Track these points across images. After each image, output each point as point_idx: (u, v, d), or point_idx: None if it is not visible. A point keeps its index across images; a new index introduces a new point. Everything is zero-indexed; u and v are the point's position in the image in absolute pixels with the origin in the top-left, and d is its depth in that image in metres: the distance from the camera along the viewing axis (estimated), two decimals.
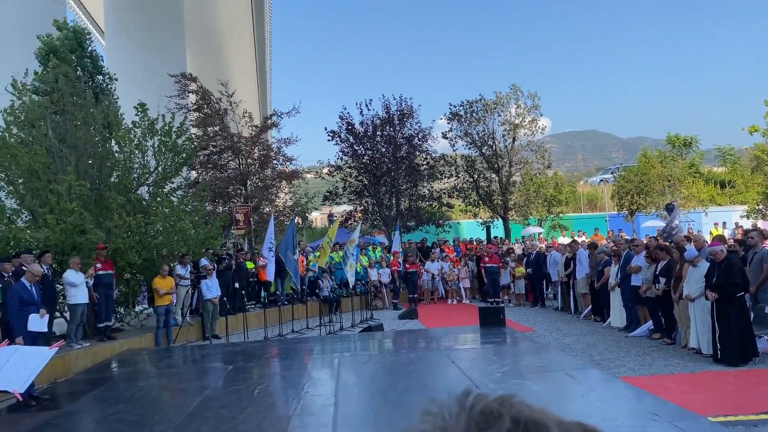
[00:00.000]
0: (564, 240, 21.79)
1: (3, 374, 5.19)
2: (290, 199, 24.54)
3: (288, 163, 23.02)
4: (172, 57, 39.92)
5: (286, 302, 16.72)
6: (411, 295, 19.06)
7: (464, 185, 26.99)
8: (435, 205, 25.47)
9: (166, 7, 43.40)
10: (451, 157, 27.17)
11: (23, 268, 10.08)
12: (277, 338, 13.46)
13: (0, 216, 11.65)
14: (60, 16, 19.96)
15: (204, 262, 14.65)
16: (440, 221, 25.11)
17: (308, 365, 10.02)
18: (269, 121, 23.10)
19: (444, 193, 26.18)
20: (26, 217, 12.56)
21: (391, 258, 19.92)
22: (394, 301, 18.91)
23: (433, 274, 19.58)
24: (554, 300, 17.36)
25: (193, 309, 15.00)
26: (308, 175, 29.26)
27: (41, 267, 9.92)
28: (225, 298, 15.05)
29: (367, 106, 24.74)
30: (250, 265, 16.74)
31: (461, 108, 26.91)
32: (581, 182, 49.50)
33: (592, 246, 15.28)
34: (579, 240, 18.98)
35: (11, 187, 12.46)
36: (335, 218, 27.56)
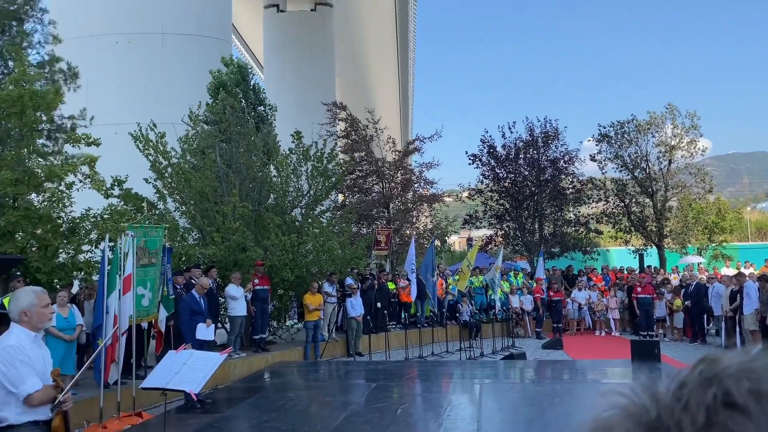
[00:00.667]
0: (729, 271, 19.87)
1: (180, 375, 5.78)
2: (430, 222, 24.79)
3: (429, 186, 23.35)
4: (323, 87, 42.36)
5: (426, 324, 16.84)
6: (555, 325, 18.34)
7: (614, 210, 25.61)
8: (582, 231, 24.39)
9: (318, 41, 46.27)
10: (599, 180, 25.96)
11: (192, 281, 11.14)
12: (418, 360, 13.59)
13: (174, 234, 12.97)
14: (227, 53, 22.06)
15: (349, 281, 15.22)
16: (588, 248, 23.98)
17: (449, 389, 10.00)
18: (412, 146, 23.63)
19: (592, 218, 25.02)
20: (196, 235, 13.89)
21: (534, 285, 19.36)
22: (537, 329, 18.32)
23: (579, 304, 18.72)
24: (717, 336, 15.84)
25: (338, 326, 15.61)
26: (448, 199, 29.41)
27: (208, 281, 10.90)
28: (368, 317, 15.50)
29: (509, 128, 24.46)
30: (391, 285, 17.12)
31: (611, 129, 25.68)
32: (748, 208, 44.99)
33: (763, 278, 13.78)
34: (746, 272, 17.21)
35: (184, 208, 13.86)
36: (475, 242, 27.36)
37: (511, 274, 20.21)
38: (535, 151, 24.16)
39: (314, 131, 19.15)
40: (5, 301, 8.22)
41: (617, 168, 25.63)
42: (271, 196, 15.05)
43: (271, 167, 15.39)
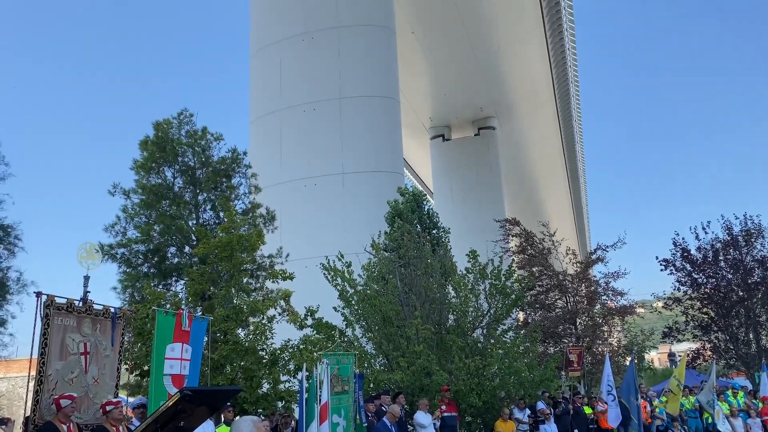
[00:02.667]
0: None
1: None
2: (624, 336, 22.85)
3: (618, 298, 21.78)
4: (493, 205, 42.82)
5: None
6: None
7: None
8: None
9: (484, 163, 47.57)
10: None
11: (383, 408, 11.18)
12: None
13: (362, 360, 13.31)
14: (400, 184, 23.46)
15: (541, 405, 14.26)
16: None
17: None
18: (594, 257, 22.53)
19: None
20: (382, 360, 14.11)
21: (760, 405, 16.60)
22: None
23: None
24: None
25: None
26: (641, 310, 27.09)
27: (399, 408, 10.86)
28: None
29: (704, 229, 22.47)
30: (588, 410, 15.69)
31: None
32: None
33: None
34: None
35: (370, 334, 14.27)
36: (679, 357, 24.52)
37: (729, 393, 17.59)
38: (737, 252, 21.78)
39: (489, 249, 19.13)
40: (221, 430, 8.87)
41: None
42: (451, 317, 14.99)
43: (449, 288, 15.49)
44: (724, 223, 22.23)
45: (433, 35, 39.07)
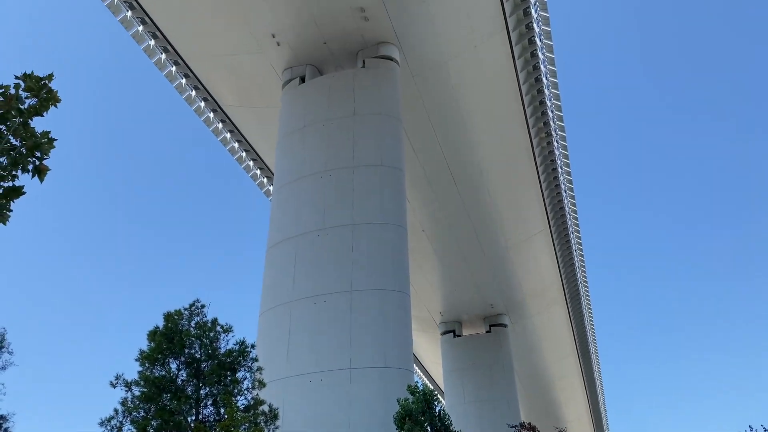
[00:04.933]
0: None
1: None
2: None
3: None
4: (507, 407, 40.85)
5: None
6: None
7: None
8: None
9: (496, 362, 46.34)
10: None
11: None
12: None
13: None
14: (410, 381, 22.61)
15: None
16: None
17: None
18: None
19: None
20: None
21: None
22: None
23: None
24: None
25: None
26: None
27: None
28: None
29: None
30: None
31: None
32: None
33: None
34: None
35: None
36: None
37: None
38: None
39: None
40: None
41: None
42: None
43: None
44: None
45: (443, 233, 40.58)
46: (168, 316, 13.74)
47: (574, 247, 45.58)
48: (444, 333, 49.63)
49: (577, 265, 47.19)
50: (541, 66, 32.49)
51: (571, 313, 50.49)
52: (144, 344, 13.79)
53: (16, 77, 5.93)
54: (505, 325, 48.22)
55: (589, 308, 54.03)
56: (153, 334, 13.52)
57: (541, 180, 38.28)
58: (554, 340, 54.19)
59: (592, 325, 56.64)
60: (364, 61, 28.39)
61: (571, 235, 44.31)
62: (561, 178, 39.78)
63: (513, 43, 30.28)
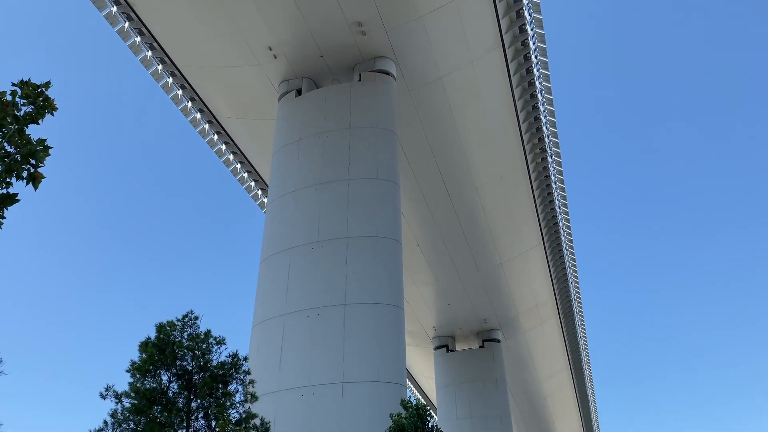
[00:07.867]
0: None
1: None
2: None
3: None
4: (499, 423, 40.62)
5: None
6: None
7: None
8: None
9: (489, 377, 46.16)
10: None
11: None
12: None
13: None
14: (403, 396, 22.47)
15: None
16: None
17: None
18: None
19: None
20: None
21: None
22: None
23: None
24: None
25: None
26: None
27: None
28: None
29: None
30: None
31: None
32: None
33: None
34: None
35: None
36: None
37: None
38: None
39: None
40: None
41: None
42: None
43: None
44: None
45: (438, 248, 40.55)
46: (161, 327, 13.61)
47: (567, 264, 45.63)
48: (437, 348, 49.44)
49: (570, 281, 47.23)
50: (536, 82, 32.73)
51: (564, 329, 50.44)
52: (135, 355, 13.66)
53: (13, 84, 5.92)
54: (498, 341, 48.10)
55: (582, 324, 54.02)
56: (145, 345, 13.39)
57: (536, 196, 38.41)
58: (547, 356, 54.07)
59: (585, 340, 56.60)
60: (360, 74, 28.50)
61: (565, 252, 44.38)
62: (555, 194, 39.92)
63: (509, 60, 30.50)
